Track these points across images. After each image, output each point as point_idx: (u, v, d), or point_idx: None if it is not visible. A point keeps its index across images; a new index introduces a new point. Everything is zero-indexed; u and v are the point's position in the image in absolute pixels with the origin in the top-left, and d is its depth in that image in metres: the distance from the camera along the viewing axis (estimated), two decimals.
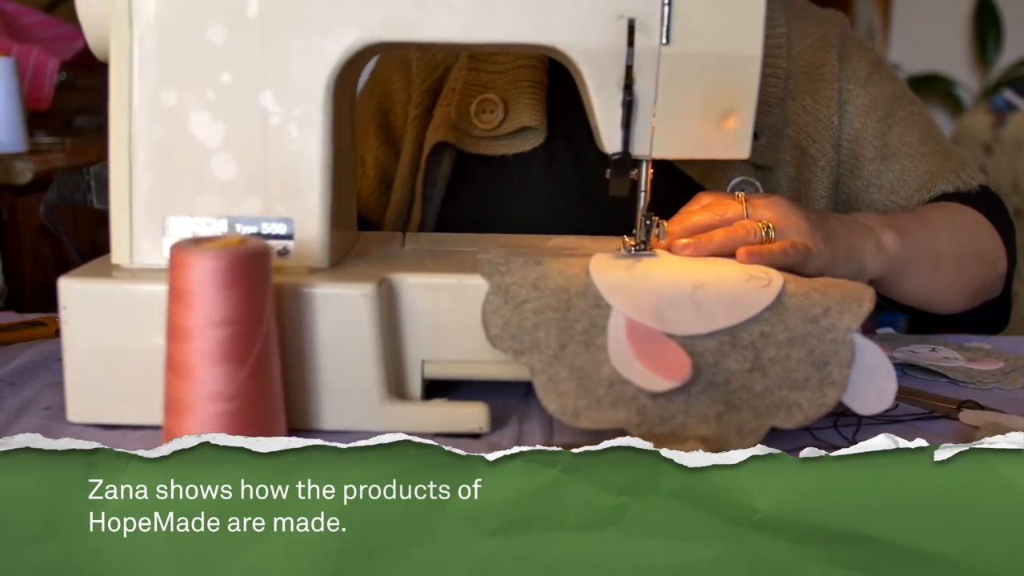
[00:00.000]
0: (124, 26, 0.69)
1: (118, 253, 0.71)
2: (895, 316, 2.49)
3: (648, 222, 0.75)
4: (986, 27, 3.81)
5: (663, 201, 0.80)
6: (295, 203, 0.70)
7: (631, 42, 0.69)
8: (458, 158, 1.07)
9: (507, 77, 1.04)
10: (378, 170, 1.11)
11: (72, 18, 2.76)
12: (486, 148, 1.04)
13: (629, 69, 0.69)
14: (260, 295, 0.60)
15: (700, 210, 0.79)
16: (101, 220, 0.73)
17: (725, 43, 0.70)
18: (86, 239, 1.42)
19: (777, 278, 0.68)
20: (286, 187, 0.70)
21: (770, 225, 0.77)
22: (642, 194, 0.75)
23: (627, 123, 0.70)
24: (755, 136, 1.03)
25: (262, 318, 0.60)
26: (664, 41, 0.69)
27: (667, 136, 0.72)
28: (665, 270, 0.71)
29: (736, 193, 0.80)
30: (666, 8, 0.68)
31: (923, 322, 1.10)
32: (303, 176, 0.70)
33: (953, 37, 3.92)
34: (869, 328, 0.91)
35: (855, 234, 0.85)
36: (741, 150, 0.73)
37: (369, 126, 1.11)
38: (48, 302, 0.85)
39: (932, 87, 3.85)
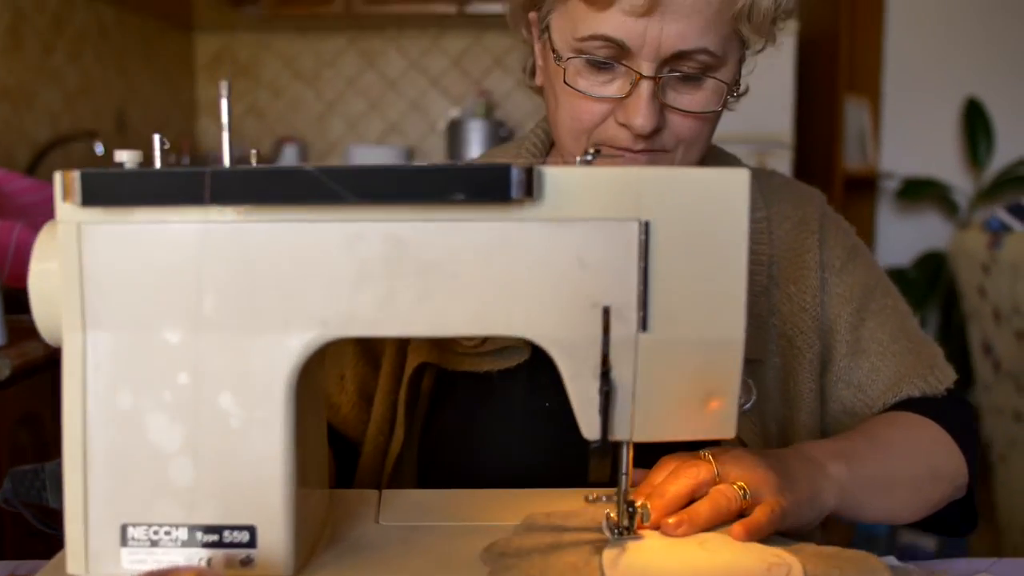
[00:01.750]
0: (76, 325, 0.66)
1: (73, 563, 0.67)
2: None
3: (631, 509, 0.72)
4: (976, 129, 3.82)
5: None
6: (258, 509, 0.66)
7: (607, 330, 0.66)
8: (441, 373, 1.03)
9: None
10: (357, 385, 1.07)
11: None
12: (470, 365, 1.01)
13: (606, 357, 0.66)
14: None
15: (671, 478, 0.77)
16: None
17: (705, 327, 0.67)
18: None
19: (796, 565, 0.68)
20: (248, 492, 0.66)
21: (744, 487, 0.76)
22: (623, 477, 0.71)
23: (605, 410, 0.67)
24: None
25: None
26: (642, 328, 0.66)
27: (648, 421, 0.68)
28: (678, 563, 0.68)
29: (702, 452, 0.79)
30: (642, 295, 0.65)
31: None
32: (265, 481, 0.66)
33: (944, 140, 3.93)
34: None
35: (812, 473, 0.84)
36: (727, 430, 0.69)
37: (349, 341, 1.08)
38: None
39: (926, 192, 3.86)
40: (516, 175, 0.62)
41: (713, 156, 1.08)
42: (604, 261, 0.65)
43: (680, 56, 0.89)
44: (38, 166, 2.62)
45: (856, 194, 3.85)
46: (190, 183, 0.63)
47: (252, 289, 0.65)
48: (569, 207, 0.64)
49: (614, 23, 0.88)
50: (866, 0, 3.85)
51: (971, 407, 1.06)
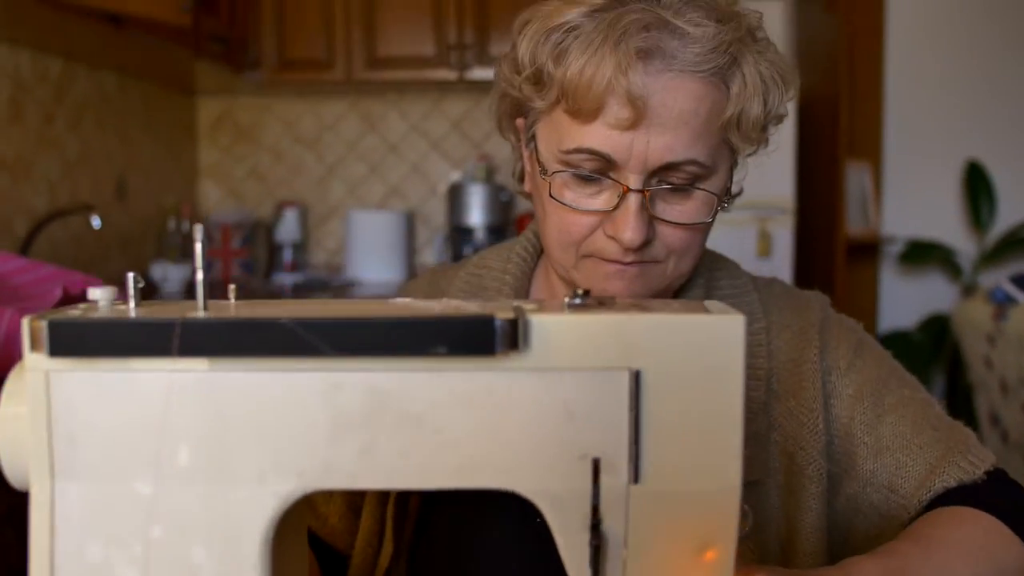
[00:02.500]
0: (45, 474, 0.64)
1: None
2: None
3: None
4: (978, 192, 3.82)
5: None
6: None
7: (596, 482, 0.63)
8: None
9: None
10: (345, 497, 1.05)
11: (55, 252, 2.75)
12: None
13: (596, 509, 0.63)
14: None
15: None
16: None
17: (700, 478, 0.64)
18: None
19: None
20: None
21: None
22: None
23: (595, 563, 0.64)
24: None
25: None
26: (633, 480, 0.63)
27: (640, 574, 0.65)
28: None
29: None
30: (633, 446, 0.63)
31: None
32: None
33: (946, 203, 3.93)
34: None
35: None
36: None
37: None
38: None
39: (929, 255, 3.84)
40: (500, 327, 0.60)
41: (709, 264, 1.05)
42: (593, 411, 0.62)
43: (668, 168, 0.87)
44: (35, 238, 2.62)
45: (859, 258, 3.84)
46: (158, 333, 0.60)
47: (225, 440, 0.63)
48: (556, 356, 0.62)
49: (600, 136, 0.86)
50: (865, 63, 3.86)
51: (1016, 484, 0.97)
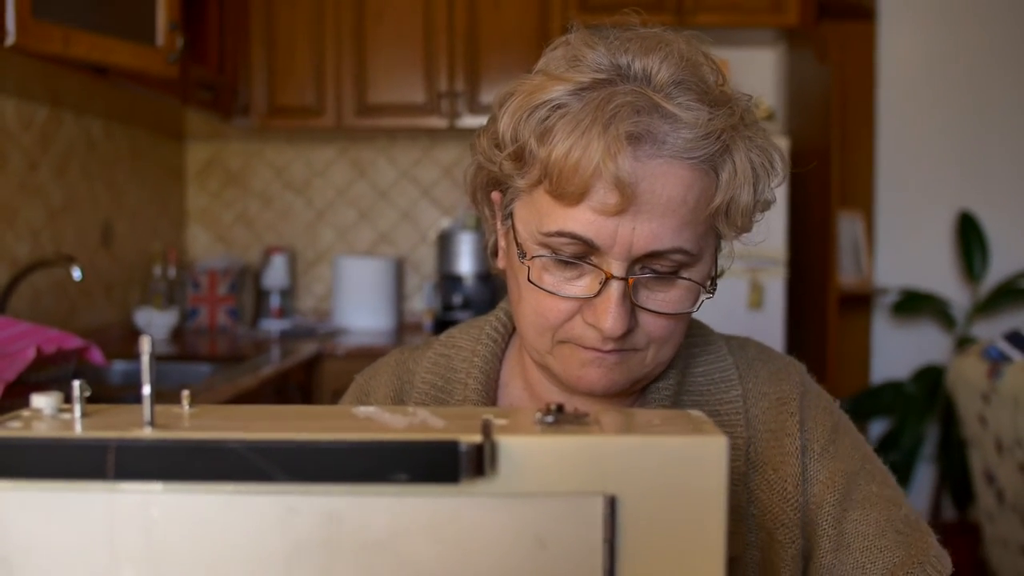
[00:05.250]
0: None
1: None
2: None
3: None
4: (970, 243, 3.80)
5: None
6: None
7: None
8: None
9: None
10: None
11: (37, 299, 2.71)
12: None
13: None
14: None
15: None
16: None
17: None
18: None
19: None
20: None
21: None
22: None
23: None
24: None
25: None
26: None
27: None
28: None
29: None
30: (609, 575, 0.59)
31: None
32: None
33: (938, 253, 3.91)
34: None
35: None
36: None
37: None
38: None
39: (923, 306, 3.81)
40: (465, 452, 0.56)
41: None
42: (566, 540, 0.58)
43: (653, 256, 0.84)
44: (16, 287, 2.57)
45: (852, 308, 3.81)
46: (94, 456, 0.56)
47: (171, 566, 0.59)
48: (526, 481, 0.58)
49: (583, 221, 0.82)
50: (857, 114, 3.86)
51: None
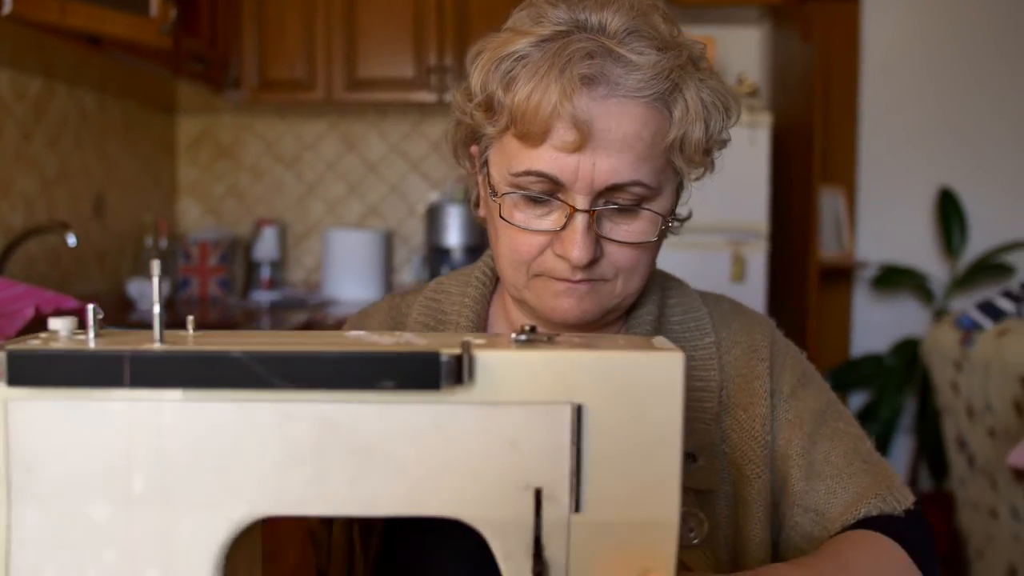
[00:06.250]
0: (2, 500, 0.65)
1: None
2: None
3: None
4: (950, 219, 3.87)
5: None
6: None
7: (539, 512, 0.65)
8: None
9: None
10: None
11: (31, 268, 2.75)
12: None
13: (538, 538, 0.65)
14: None
15: None
16: None
17: (639, 509, 0.66)
18: None
19: None
20: None
21: None
22: None
23: None
24: (693, 458, 0.99)
25: None
26: (574, 510, 0.65)
27: None
28: None
29: None
30: (574, 477, 0.65)
31: None
32: None
33: (918, 229, 3.98)
34: None
35: None
36: None
37: None
38: None
39: (903, 280, 3.89)
40: (446, 363, 0.62)
41: (660, 283, 1.08)
42: (536, 444, 0.65)
43: (614, 189, 0.91)
44: (11, 254, 2.62)
45: (832, 282, 3.88)
46: (110, 366, 0.62)
47: (178, 467, 0.65)
48: (501, 391, 0.64)
49: (547, 159, 0.90)
50: (840, 91, 3.92)
51: (930, 528, 1.03)
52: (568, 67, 0.87)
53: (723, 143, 0.97)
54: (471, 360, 0.64)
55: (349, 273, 3.65)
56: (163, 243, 3.56)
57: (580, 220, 0.91)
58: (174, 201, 3.96)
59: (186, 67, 3.03)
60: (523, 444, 0.65)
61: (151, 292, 2.78)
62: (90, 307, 0.69)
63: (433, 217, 3.67)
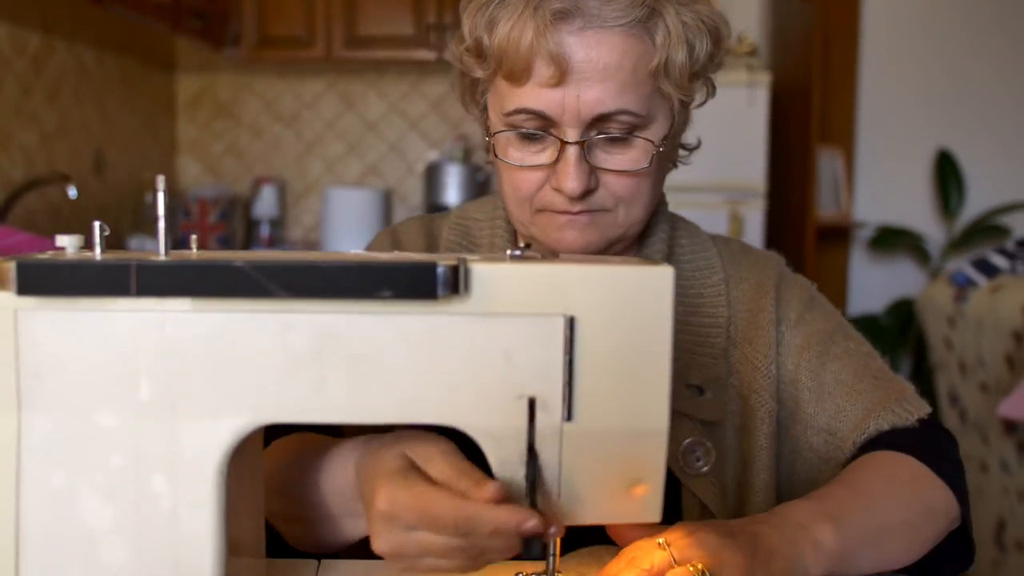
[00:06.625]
0: (12, 407, 0.67)
1: None
2: None
3: None
4: (948, 180, 3.88)
5: None
6: None
7: (532, 421, 0.67)
8: None
9: None
10: None
11: (31, 221, 2.76)
12: None
13: (531, 446, 0.68)
14: None
15: (626, 567, 0.75)
16: None
17: (629, 418, 0.68)
18: None
19: None
20: (180, 572, 0.67)
21: (703, 569, 0.73)
22: (551, 558, 0.72)
23: (532, 496, 0.68)
24: (701, 391, 1.01)
25: None
26: (566, 419, 0.67)
27: (574, 506, 0.69)
28: None
29: (659, 541, 0.75)
30: (567, 387, 0.67)
31: None
32: (195, 562, 0.67)
33: (916, 190, 3.99)
34: None
35: (790, 542, 0.82)
36: (652, 514, 0.70)
37: None
38: None
39: (899, 241, 3.90)
40: (442, 273, 0.64)
41: (670, 221, 1.10)
42: (530, 354, 0.67)
43: (602, 119, 0.93)
44: (12, 207, 2.63)
45: (829, 243, 3.89)
46: (117, 275, 0.64)
47: (184, 376, 0.67)
48: (496, 302, 0.66)
49: (532, 96, 0.93)
50: (840, 51, 3.91)
51: (948, 433, 1.03)
52: (542, 4, 0.90)
53: (717, 66, 0.99)
54: (467, 271, 0.66)
55: (348, 231, 3.67)
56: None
57: (571, 152, 0.93)
58: (173, 159, 3.96)
59: (185, 23, 3.02)
60: (517, 354, 0.67)
61: (152, 247, 2.80)
62: (96, 224, 0.70)
63: (432, 176, 3.67)
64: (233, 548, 0.69)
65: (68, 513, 0.67)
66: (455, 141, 3.79)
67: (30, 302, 0.66)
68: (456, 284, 0.65)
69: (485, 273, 0.66)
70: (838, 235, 3.94)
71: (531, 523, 0.64)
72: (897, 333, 3.84)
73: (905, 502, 0.93)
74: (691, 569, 0.73)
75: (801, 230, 3.46)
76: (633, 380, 0.68)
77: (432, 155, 3.90)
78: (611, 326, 0.67)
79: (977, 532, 2.83)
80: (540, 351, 0.67)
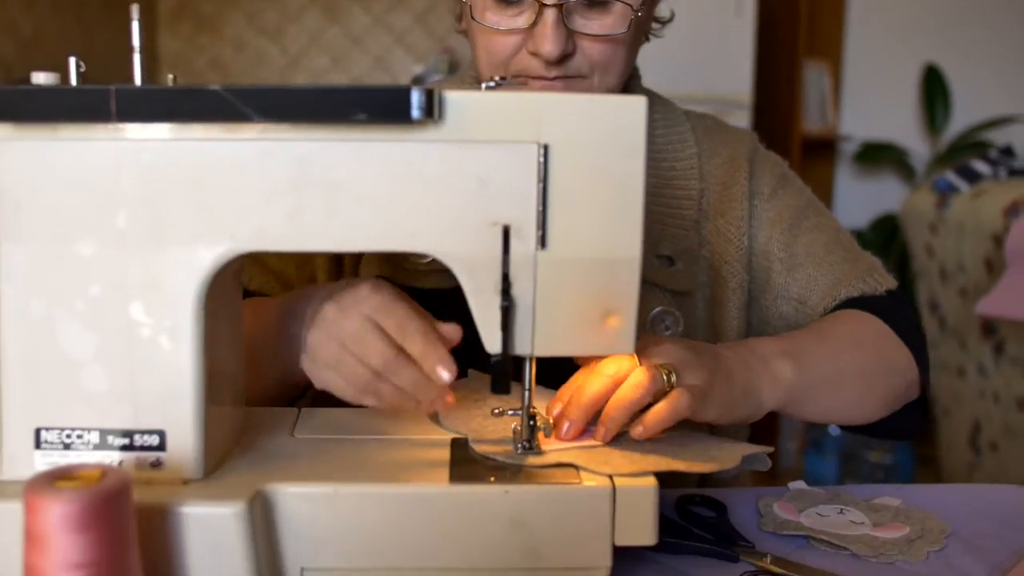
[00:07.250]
0: None
1: None
2: None
3: (532, 422, 0.74)
4: (934, 96, 3.87)
5: None
6: (167, 415, 0.69)
7: (506, 248, 0.68)
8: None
9: None
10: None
11: None
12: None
13: (506, 274, 0.69)
14: (119, 534, 0.58)
15: (593, 375, 0.78)
16: None
17: (603, 246, 0.69)
18: None
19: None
20: (157, 399, 0.69)
21: (670, 369, 0.77)
22: (526, 393, 0.74)
23: (506, 325, 0.69)
24: (672, 261, 1.03)
25: (122, 559, 0.58)
26: (540, 247, 0.69)
27: (547, 336, 0.71)
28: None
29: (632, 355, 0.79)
30: (541, 214, 0.68)
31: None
32: (175, 388, 0.68)
33: (903, 105, 3.97)
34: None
35: (750, 369, 0.86)
36: (625, 346, 0.72)
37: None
38: None
39: (884, 156, 3.90)
40: (417, 97, 0.64)
41: (643, 93, 1.10)
42: (504, 182, 0.68)
43: None
44: None
45: (815, 156, 3.89)
46: (96, 100, 0.64)
47: (163, 204, 0.67)
48: (470, 129, 0.67)
49: None
50: None
51: (911, 307, 1.07)
52: None
53: None
54: (441, 97, 0.66)
55: None
56: None
57: (549, 14, 0.93)
58: (156, 73, 3.91)
59: None
60: (491, 181, 0.68)
61: None
62: (72, 59, 0.70)
63: None
64: (212, 377, 0.71)
65: (49, 342, 0.68)
66: (440, 54, 3.75)
67: (7, 131, 0.67)
68: (431, 108, 0.65)
69: (460, 100, 0.67)
70: (824, 149, 3.94)
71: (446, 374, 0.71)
72: (881, 248, 3.86)
73: (866, 355, 0.96)
74: (657, 366, 0.76)
75: (786, 143, 3.45)
76: (606, 208, 0.69)
77: (417, 69, 3.86)
78: (585, 154, 0.68)
79: (953, 436, 2.88)
80: (514, 178, 0.68)
